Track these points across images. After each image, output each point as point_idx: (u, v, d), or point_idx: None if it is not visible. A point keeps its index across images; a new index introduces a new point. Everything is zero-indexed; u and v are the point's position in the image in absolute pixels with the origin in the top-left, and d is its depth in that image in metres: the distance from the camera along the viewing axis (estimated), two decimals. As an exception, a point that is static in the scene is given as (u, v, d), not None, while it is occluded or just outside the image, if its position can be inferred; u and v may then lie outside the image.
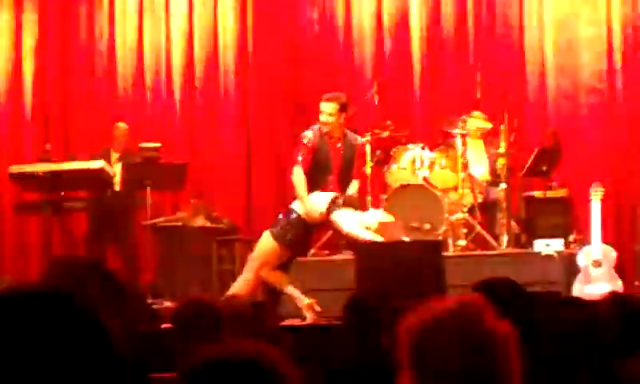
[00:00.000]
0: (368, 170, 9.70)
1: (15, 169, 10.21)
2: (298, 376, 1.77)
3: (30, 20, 12.13)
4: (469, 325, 2.00)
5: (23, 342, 1.46)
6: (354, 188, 8.67)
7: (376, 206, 9.57)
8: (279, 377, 1.74)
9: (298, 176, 8.43)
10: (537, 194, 9.98)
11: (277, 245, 8.22)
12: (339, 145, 8.63)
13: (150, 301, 8.75)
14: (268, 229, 8.38)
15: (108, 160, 10.20)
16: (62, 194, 9.93)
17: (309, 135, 8.57)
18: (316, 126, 8.62)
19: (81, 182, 9.94)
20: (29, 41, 12.10)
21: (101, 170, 9.88)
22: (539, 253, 8.93)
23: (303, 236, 8.39)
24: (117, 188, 10.08)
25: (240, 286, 8.24)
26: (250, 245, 9.95)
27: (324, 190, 8.47)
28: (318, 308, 8.01)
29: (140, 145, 10.49)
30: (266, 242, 8.29)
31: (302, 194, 8.30)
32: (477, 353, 1.99)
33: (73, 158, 10.57)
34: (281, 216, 8.43)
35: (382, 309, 3.84)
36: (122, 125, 10.80)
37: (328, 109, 8.55)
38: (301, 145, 8.59)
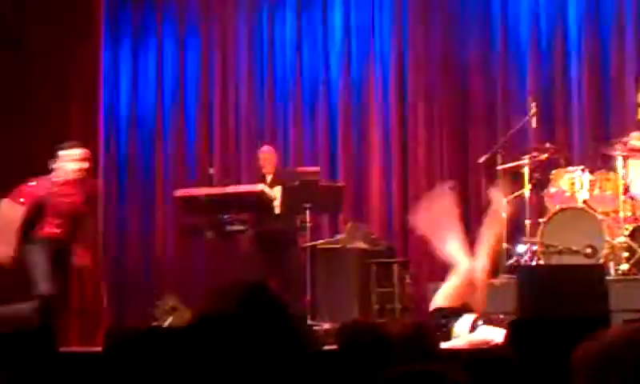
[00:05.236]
0: (526, 192, 9.66)
1: (181, 192, 10.56)
2: None
3: (193, 45, 12.51)
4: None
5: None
6: None
7: (534, 229, 9.50)
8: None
9: None
10: (702, 216, 9.71)
11: None
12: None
13: (309, 322, 8.90)
14: None
15: (264, 183, 10.40)
16: (225, 216, 10.18)
17: None
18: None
19: (242, 205, 10.17)
20: (192, 67, 12.48)
21: (261, 193, 10.11)
22: None
23: None
24: (277, 211, 10.26)
25: None
26: (406, 267, 10.02)
27: None
28: None
29: (299, 169, 10.65)
30: None
31: None
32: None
33: (234, 182, 10.85)
34: None
35: (547, 332, 3.85)
36: (265, 148, 10.93)
37: None
38: None
